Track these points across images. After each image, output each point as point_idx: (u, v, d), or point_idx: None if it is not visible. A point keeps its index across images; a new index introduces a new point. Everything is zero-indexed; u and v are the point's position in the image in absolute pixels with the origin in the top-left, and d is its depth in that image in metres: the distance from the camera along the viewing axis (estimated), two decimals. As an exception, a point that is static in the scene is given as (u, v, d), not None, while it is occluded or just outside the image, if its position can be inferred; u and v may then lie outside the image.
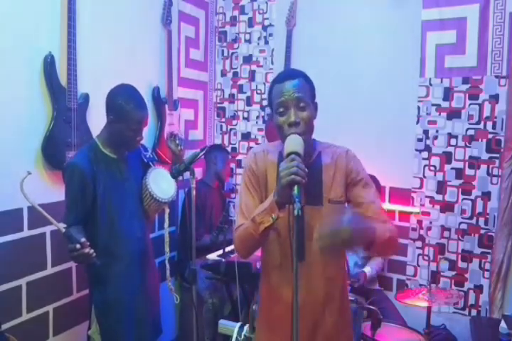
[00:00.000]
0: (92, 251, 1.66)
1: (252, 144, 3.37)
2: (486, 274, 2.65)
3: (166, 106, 2.87)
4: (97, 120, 2.09)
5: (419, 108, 2.81)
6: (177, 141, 2.29)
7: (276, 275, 1.45)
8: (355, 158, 1.49)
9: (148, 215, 2.07)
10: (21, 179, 1.62)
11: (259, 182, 1.46)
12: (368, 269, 2.64)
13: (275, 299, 1.46)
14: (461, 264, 2.72)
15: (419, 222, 2.83)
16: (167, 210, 2.11)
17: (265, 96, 3.13)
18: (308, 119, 1.36)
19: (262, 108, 3.31)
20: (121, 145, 1.93)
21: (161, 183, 2.05)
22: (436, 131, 2.77)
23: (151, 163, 2.09)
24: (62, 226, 1.73)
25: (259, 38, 3.32)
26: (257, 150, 1.52)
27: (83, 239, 1.64)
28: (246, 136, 3.41)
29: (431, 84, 2.77)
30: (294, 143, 1.28)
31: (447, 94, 2.73)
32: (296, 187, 1.18)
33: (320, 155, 1.46)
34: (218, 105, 3.51)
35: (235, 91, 3.44)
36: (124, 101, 1.83)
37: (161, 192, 2.02)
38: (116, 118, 1.85)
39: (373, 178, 2.66)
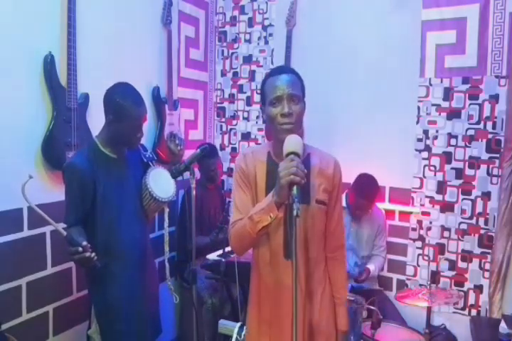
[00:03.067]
0: (93, 254, 1.65)
1: (252, 144, 3.37)
2: (486, 274, 2.65)
3: (166, 106, 2.87)
4: (97, 120, 2.09)
5: (419, 108, 2.81)
6: (176, 141, 2.28)
7: (266, 272, 1.47)
8: (341, 171, 1.52)
9: (147, 215, 2.07)
10: (23, 183, 1.62)
11: (249, 180, 1.49)
12: (372, 267, 2.68)
13: (265, 295, 1.48)
14: (461, 264, 2.72)
15: (419, 222, 2.83)
16: (166, 210, 2.10)
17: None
18: (300, 113, 1.40)
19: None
20: (122, 144, 1.92)
21: (160, 183, 2.04)
22: (436, 131, 2.77)
23: (150, 163, 2.08)
24: (62, 227, 1.72)
25: (259, 38, 3.32)
26: (246, 151, 1.57)
27: (85, 243, 1.64)
28: (246, 136, 3.41)
29: (431, 84, 2.77)
30: (293, 143, 1.29)
31: (447, 94, 2.73)
32: (295, 187, 1.19)
33: (309, 156, 1.48)
34: (218, 105, 3.51)
35: (234, 91, 3.44)
36: (121, 99, 1.82)
37: (161, 192, 2.01)
38: (115, 117, 1.84)
39: (372, 179, 2.67)
